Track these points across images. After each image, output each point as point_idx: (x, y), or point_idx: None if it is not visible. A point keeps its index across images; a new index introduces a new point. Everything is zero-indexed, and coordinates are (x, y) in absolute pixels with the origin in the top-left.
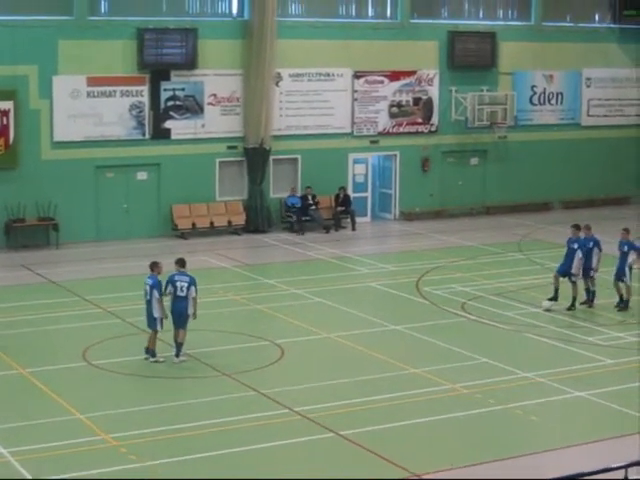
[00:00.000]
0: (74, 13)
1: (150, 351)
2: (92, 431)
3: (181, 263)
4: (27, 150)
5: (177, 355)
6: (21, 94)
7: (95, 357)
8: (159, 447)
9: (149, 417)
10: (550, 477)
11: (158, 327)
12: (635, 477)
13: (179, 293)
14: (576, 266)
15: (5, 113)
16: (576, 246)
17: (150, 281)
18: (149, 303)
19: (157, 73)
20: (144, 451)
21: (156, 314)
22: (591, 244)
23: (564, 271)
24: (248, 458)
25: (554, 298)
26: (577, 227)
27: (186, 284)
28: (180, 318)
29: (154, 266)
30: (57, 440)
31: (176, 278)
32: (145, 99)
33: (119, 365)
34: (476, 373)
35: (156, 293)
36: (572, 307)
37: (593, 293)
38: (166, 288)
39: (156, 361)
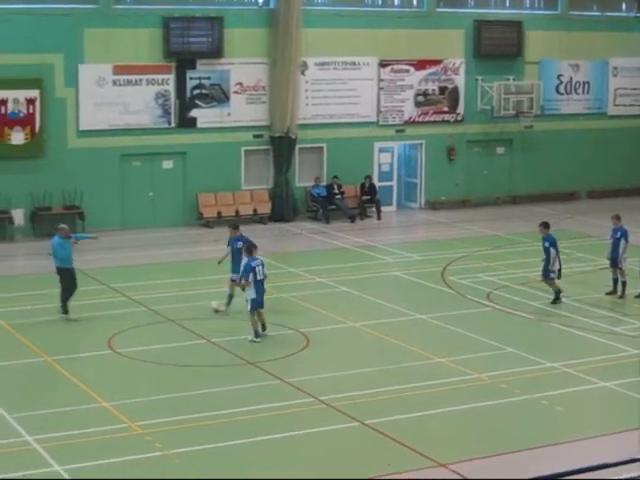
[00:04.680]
0: (100, 1)
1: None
2: (117, 419)
3: (251, 250)
4: (53, 138)
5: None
6: (47, 82)
7: (120, 345)
8: (184, 435)
9: (174, 405)
10: (575, 467)
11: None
12: None
13: (259, 277)
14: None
15: (31, 101)
16: (619, 235)
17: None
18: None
19: (183, 62)
20: (169, 439)
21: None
22: (619, 234)
23: (612, 260)
24: (273, 447)
25: (614, 291)
26: (617, 217)
27: (262, 266)
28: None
29: (253, 249)
30: (82, 428)
31: (253, 264)
32: (171, 87)
33: (144, 353)
34: (502, 363)
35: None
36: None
37: (624, 284)
38: (247, 276)
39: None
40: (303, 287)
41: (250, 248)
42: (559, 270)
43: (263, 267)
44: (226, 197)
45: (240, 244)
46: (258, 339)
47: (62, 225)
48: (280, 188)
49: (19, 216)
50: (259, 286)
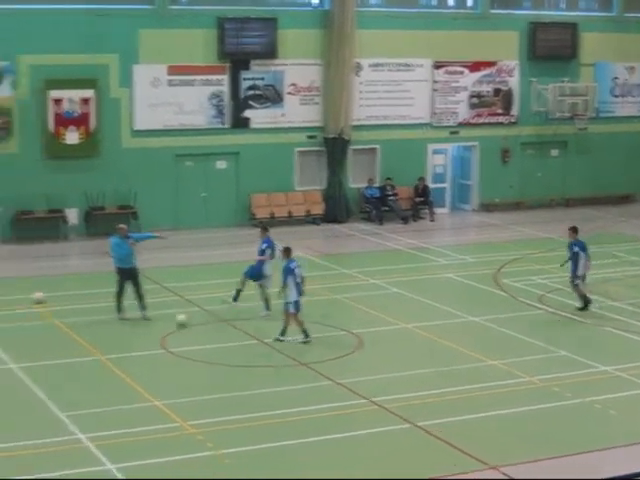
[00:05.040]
0: (155, 2)
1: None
2: (169, 418)
3: (288, 252)
4: (107, 138)
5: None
6: (102, 83)
7: (173, 345)
8: (235, 435)
9: (226, 405)
10: (630, 472)
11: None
12: None
13: (298, 280)
14: None
15: (86, 101)
16: None
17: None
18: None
19: (237, 62)
20: (220, 439)
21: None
22: None
23: None
24: (324, 448)
25: None
26: None
27: (299, 268)
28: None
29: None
30: (135, 427)
31: (292, 266)
32: (225, 88)
33: (197, 353)
34: (554, 366)
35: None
36: None
37: None
38: (287, 279)
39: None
40: (355, 288)
41: (288, 250)
42: (584, 275)
43: (300, 269)
44: (279, 198)
45: (264, 246)
46: (309, 339)
47: (120, 225)
48: (333, 189)
49: (73, 215)
50: (299, 288)
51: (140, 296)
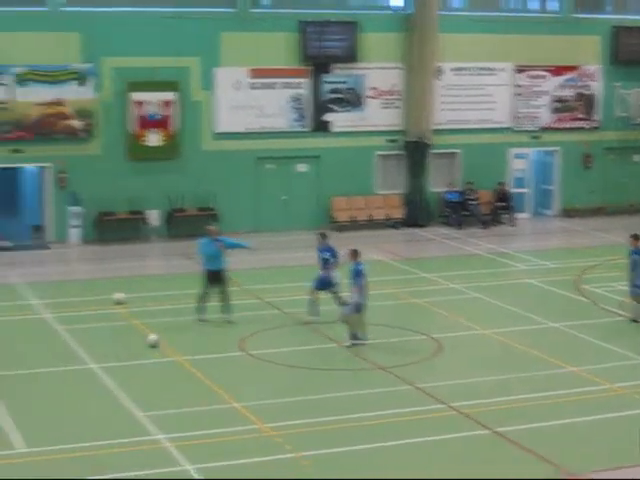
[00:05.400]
0: (237, 6)
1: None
2: (248, 420)
3: (356, 253)
4: (188, 141)
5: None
6: (184, 85)
7: (252, 347)
8: (314, 438)
9: (304, 408)
10: None
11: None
12: None
13: (363, 282)
14: None
15: (168, 104)
16: None
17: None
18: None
19: (318, 66)
20: (299, 442)
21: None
22: None
23: None
24: (402, 452)
25: None
26: None
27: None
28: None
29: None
30: (213, 428)
31: (361, 268)
32: (306, 91)
33: (276, 355)
34: (635, 373)
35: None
36: None
37: None
38: (359, 280)
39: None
40: (435, 293)
41: (355, 252)
42: None
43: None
44: (359, 201)
45: (327, 254)
46: (357, 341)
47: (210, 226)
48: (414, 193)
49: (154, 217)
50: (365, 290)
51: (225, 299)
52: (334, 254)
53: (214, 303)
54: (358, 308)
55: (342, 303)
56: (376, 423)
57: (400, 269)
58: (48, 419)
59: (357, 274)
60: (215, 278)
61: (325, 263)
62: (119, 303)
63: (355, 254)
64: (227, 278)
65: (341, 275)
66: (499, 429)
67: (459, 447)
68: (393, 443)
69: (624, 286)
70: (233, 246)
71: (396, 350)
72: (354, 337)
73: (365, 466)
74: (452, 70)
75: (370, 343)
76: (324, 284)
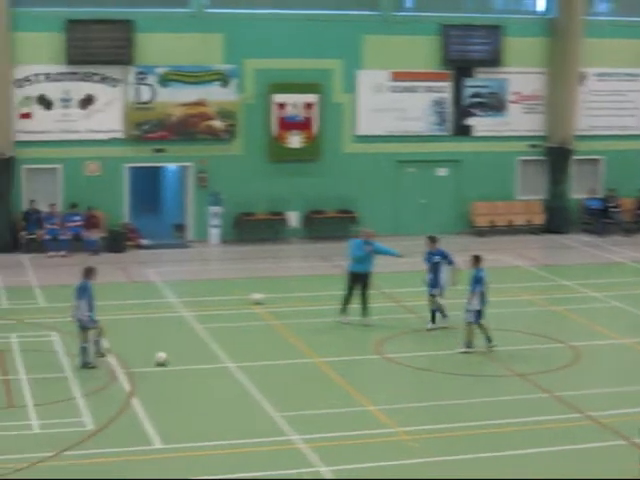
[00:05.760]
0: (380, 8)
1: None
2: (383, 423)
3: (478, 260)
4: (329, 143)
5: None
6: (325, 87)
7: (388, 350)
8: (448, 443)
9: (440, 412)
10: None
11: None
12: None
13: (484, 289)
14: None
15: (310, 106)
16: None
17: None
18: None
19: (461, 69)
20: (432, 446)
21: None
22: None
23: None
24: (534, 461)
25: None
26: None
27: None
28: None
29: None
30: (348, 430)
31: (482, 275)
32: (448, 95)
33: (412, 359)
34: None
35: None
36: None
37: None
38: (479, 287)
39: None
40: (575, 300)
41: (477, 258)
42: None
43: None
44: (499, 206)
45: (437, 258)
46: (471, 349)
47: (363, 228)
48: (555, 199)
49: (293, 218)
50: (484, 297)
51: (365, 301)
52: (446, 257)
53: (353, 305)
54: (479, 315)
55: (439, 308)
56: (512, 430)
57: (539, 275)
58: (185, 416)
59: (477, 281)
60: (359, 280)
61: (434, 266)
62: (257, 303)
63: (477, 260)
64: (371, 282)
65: (451, 280)
66: (636, 440)
67: (595, 458)
68: (528, 451)
69: None
70: (383, 252)
71: (533, 357)
72: (468, 345)
73: (497, 474)
74: (596, 76)
75: (507, 350)
76: (434, 283)
